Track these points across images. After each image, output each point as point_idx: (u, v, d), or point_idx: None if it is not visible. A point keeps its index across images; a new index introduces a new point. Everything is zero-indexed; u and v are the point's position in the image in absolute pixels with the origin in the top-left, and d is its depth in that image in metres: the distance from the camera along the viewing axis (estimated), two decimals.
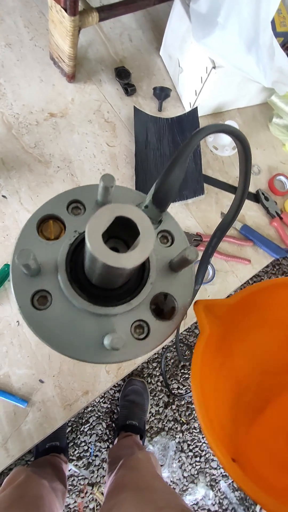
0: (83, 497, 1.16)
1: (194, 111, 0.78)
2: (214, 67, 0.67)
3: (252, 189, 0.82)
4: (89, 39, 0.83)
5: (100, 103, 0.79)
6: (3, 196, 0.68)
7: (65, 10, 0.61)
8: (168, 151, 0.77)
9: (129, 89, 0.79)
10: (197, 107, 0.78)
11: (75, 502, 1.16)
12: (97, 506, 1.16)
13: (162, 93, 0.80)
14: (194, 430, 1.29)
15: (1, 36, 0.78)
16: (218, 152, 0.82)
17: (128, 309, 0.30)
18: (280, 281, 0.29)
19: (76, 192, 0.34)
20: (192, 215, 0.76)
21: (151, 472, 0.74)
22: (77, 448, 1.20)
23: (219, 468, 1.29)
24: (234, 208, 0.34)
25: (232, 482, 1.28)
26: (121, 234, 0.29)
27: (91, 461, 1.20)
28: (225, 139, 0.81)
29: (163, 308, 0.32)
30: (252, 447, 0.30)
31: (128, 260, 0.22)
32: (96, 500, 1.16)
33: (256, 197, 0.81)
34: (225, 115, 0.86)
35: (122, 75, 0.81)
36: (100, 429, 1.23)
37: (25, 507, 0.62)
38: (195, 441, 1.29)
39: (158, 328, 0.31)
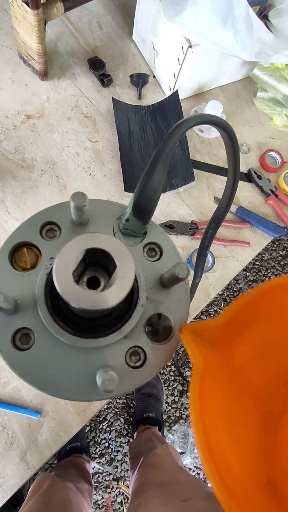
0: (109, 492, 1.18)
1: (175, 94, 0.75)
2: (190, 46, 0.64)
3: (243, 168, 0.80)
4: (57, 32, 0.79)
5: (77, 98, 0.76)
6: None
7: (27, 4, 0.58)
8: (153, 139, 0.74)
9: (105, 80, 0.76)
10: (177, 90, 0.75)
11: (102, 498, 1.17)
12: (124, 499, 1.17)
13: (140, 80, 0.77)
14: None
15: None
16: (205, 134, 0.79)
17: (120, 337, 0.28)
18: (265, 287, 0.23)
19: (49, 213, 0.31)
20: (185, 204, 0.74)
21: (172, 465, 0.74)
22: (98, 446, 1.21)
23: None
24: (227, 198, 0.33)
25: None
26: (99, 261, 0.26)
27: (113, 457, 1.21)
28: None
29: (158, 329, 0.29)
30: None
31: (107, 300, 0.20)
32: (122, 493, 1.18)
33: (248, 177, 0.79)
34: (207, 95, 0.83)
35: (96, 65, 0.77)
36: (118, 424, 1.23)
37: None
38: None
39: (155, 352, 0.29)
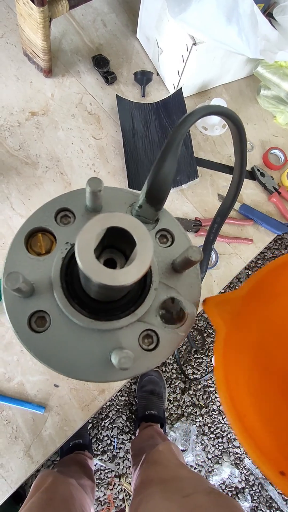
0: (111, 489, 1.18)
1: (179, 92, 0.75)
2: (194, 44, 0.64)
3: (247, 166, 0.80)
4: (61, 29, 0.80)
5: (81, 95, 0.76)
6: None
7: (33, 1, 0.58)
8: (157, 137, 0.75)
9: (109, 77, 0.77)
10: (181, 88, 0.75)
11: (104, 494, 1.18)
12: (126, 496, 1.18)
13: (144, 78, 0.77)
14: (213, 413, 1.30)
15: None
16: (208, 132, 0.79)
17: (133, 320, 0.28)
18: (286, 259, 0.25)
19: (62, 200, 0.32)
20: (189, 201, 0.74)
21: (173, 462, 0.75)
22: (100, 443, 1.21)
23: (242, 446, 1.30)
24: (233, 191, 0.33)
25: None
26: (117, 243, 0.27)
27: (115, 454, 1.21)
28: (214, 118, 0.78)
29: (171, 312, 0.30)
30: None
31: (127, 276, 0.20)
32: (124, 490, 1.18)
33: (251, 174, 0.79)
34: (211, 93, 0.83)
35: (101, 63, 0.78)
36: (120, 422, 1.24)
37: (54, 509, 0.62)
38: (216, 422, 1.30)
39: (168, 336, 0.29)
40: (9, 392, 0.59)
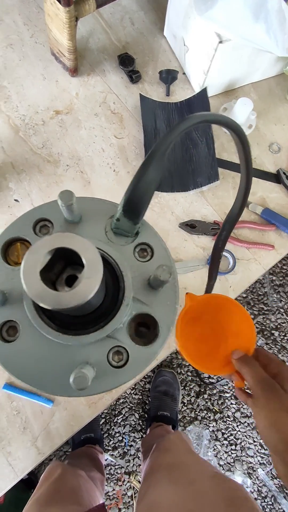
0: (120, 485, 1.19)
1: (204, 91, 0.74)
2: (221, 42, 0.62)
3: (272, 168, 0.77)
4: (89, 28, 0.80)
5: (106, 94, 0.77)
6: (15, 200, 0.68)
7: (59, 1, 0.59)
8: (179, 137, 0.73)
9: (134, 76, 0.76)
10: (206, 87, 0.73)
11: (113, 490, 1.19)
12: (134, 493, 1.19)
13: (169, 77, 0.76)
14: (228, 419, 1.28)
15: (2, 37, 0.77)
16: None
17: (102, 335, 0.27)
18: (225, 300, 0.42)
19: (42, 210, 0.32)
20: (208, 203, 0.73)
21: (182, 449, 0.75)
22: (112, 439, 1.23)
23: (256, 456, 1.27)
24: (240, 199, 0.31)
25: (271, 470, 1.26)
26: (77, 260, 0.26)
27: (126, 450, 1.22)
28: (240, 118, 0.76)
29: (143, 330, 0.29)
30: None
31: (71, 300, 0.20)
32: (133, 488, 1.19)
33: (277, 178, 0.76)
34: (238, 92, 0.80)
35: (126, 62, 0.77)
36: (133, 420, 1.24)
37: (62, 500, 0.64)
38: (230, 429, 1.27)
39: (138, 354, 0.28)
40: (20, 383, 0.61)
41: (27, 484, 1.08)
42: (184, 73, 0.80)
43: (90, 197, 0.33)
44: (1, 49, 0.76)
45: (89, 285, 0.21)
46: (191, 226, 0.70)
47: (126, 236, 0.31)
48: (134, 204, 0.28)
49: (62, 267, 0.21)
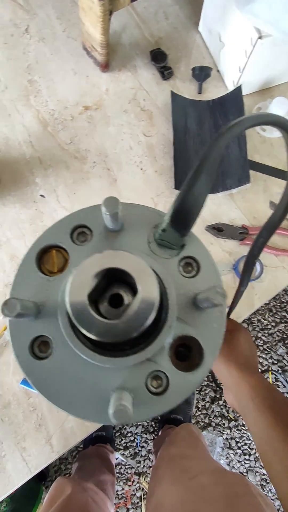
0: (130, 485, 1.18)
1: (238, 90, 0.71)
2: (260, 37, 0.59)
3: None
4: (122, 23, 0.79)
5: (136, 91, 0.75)
6: (41, 195, 0.68)
7: None
8: (209, 137, 0.71)
9: (165, 73, 0.74)
10: (240, 85, 0.70)
11: (122, 489, 1.19)
12: (143, 495, 1.18)
13: (202, 74, 0.74)
14: (242, 428, 1.24)
15: (35, 31, 0.77)
16: (267, 133, 0.73)
17: (142, 359, 0.25)
18: None
19: (81, 216, 0.29)
20: (237, 206, 0.70)
21: (187, 441, 0.74)
22: (123, 438, 1.22)
23: None
24: (284, 205, 0.29)
25: None
26: (123, 276, 0.23)
27: (137, 451, 1.21)
28: None
29: (186, 355, 0.26)
30: None
31: (120, 332, 0.18)
32: (142, 489, 1.18)
33: None
34: (274, 91, 0.77)
35: (158, 58, 0.75)
36: (145, 420, 1.23)
37: None
38: (244, 438, 1.24)
39: (179, 380, 0.26)
40: None
41: (38, 475, 1.09)
42: (218, 70, 0.77)
43: (133, 203, 0.30)
44: (34, 43, 0.76)
45: (144, 314, 0.19)
46: (218, 230, 0.68)
47: (170, 249, 0.28)
48: (183, 215, 0.25)
49: (105, 284, 0.19)
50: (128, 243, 0.28)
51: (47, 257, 0.28)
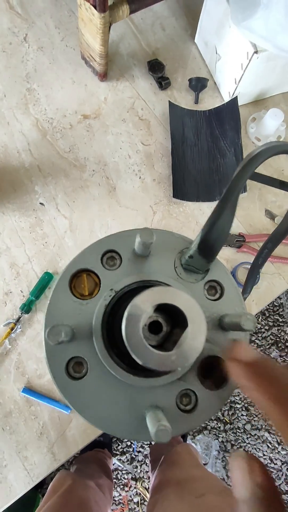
0: (127, 491, 1.19)
1: (234, 100, 0.72)
2: (256, 52, 0.61)
3: None
4: (120, 33, 0.80)
5: (134, 100, 0.76)
6: (40, 203, 0.68)
7: (95, 7, 0.58)
8: (206, 146, 0.72)
9: (163, 83, 0.76)
10: (236, 96, 0.72)
11: (120, 495, 1.19)
12: (141, 500, 1.18)
13: (198, 84, 0.75)
14: (238, 430, 1.26)
15: (33, 40, 0.77)
16: (261, 143, 0.75)
17: (173, 378, 0.26)
18: None
19: (110, 241, 0.31)
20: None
21: (189, 462, 0.75)
22: (120, 444, 1.22)
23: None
24: None
25: (279, 485, 1.24)
26: (169, 309, 0.25)
27: (134, 456, 1.22)
28: (269, 129, 0.74)
29: (213, 373, 0.28)
30: None
31: (175, 362, 0.20)
32: (140, 494, 1.18)
33: None
34: (268, 102, 0.79)
35: (156, 68, 0.77)
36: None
37: None
38: (239, 441, 1.26)
39: (207, 398, 0.27)
40: (39, 388, 0.61)
41: None
42: (213, 81, 0.79)
43: (160, 229, 0.32)
44: (32, 51, 0.77)
45: (193, 347, 0.20)
46: None
47: (196, 273, 0.30)
48: (211, 243, 0.27)
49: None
50: (156, 268, 0.30)
51: (79, 281, 0.29)
